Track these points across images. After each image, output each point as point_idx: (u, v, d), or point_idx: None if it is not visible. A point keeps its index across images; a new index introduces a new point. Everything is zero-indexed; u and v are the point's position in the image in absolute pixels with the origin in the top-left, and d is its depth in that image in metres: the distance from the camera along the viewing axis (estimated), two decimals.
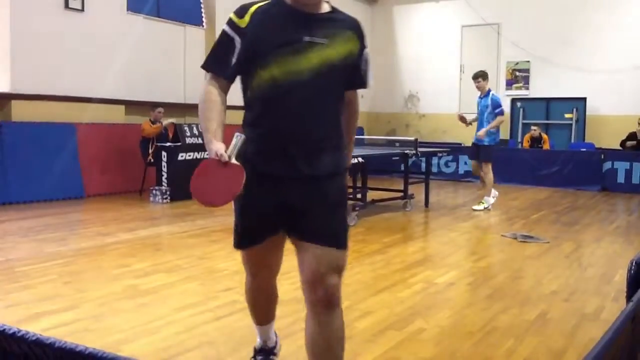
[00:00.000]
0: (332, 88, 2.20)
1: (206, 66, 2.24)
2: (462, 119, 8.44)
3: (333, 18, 2.20)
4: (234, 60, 2.16)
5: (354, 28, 2.23)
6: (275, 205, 2.20)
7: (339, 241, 2.22)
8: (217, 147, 2.08)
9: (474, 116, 8.46)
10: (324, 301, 2.18)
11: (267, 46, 2.11)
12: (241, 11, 2.16)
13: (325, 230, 2.19)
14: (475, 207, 8.33)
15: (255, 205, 2.23)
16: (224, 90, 2.24)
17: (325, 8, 2.20)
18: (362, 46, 2.25)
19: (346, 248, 2.26)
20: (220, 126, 2.19)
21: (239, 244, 2.39)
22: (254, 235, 2.31)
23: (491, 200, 8.36)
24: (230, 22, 2.17)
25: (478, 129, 8.38)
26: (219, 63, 2.21)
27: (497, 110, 8.21)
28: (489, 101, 8.26)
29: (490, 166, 8.44)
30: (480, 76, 8.43)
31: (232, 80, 2.24)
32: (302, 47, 2.10)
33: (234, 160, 2.06)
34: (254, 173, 2.10)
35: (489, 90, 8.44)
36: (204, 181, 2.07)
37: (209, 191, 2.07)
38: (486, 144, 8.33)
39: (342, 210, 2.31)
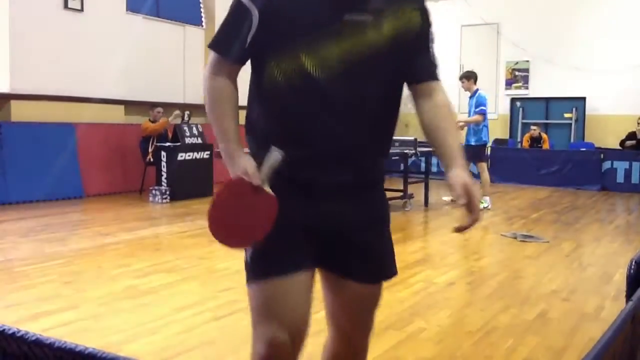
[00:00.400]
0: (383, 82, 1.63)
1: (213, 44, 1.65)
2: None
3: None
4: (248, 39, 1.58)
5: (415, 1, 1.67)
6: (308, 224, 1.61)
7: (390, 270, 1.77)
8: (246, 163, 1.53)
9: (460, 122, 8.45)
10: (355, 353, 1.83)
11: (293, 27, 1.55)
12: None
13: (374, 262, 1.72)
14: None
15: (282, 220, 1.55)
16: (234, 77, 1.64)
17: None
18: (426, 24, 1.70)
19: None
20: (238, 130, 1.64)
21: (261, 270, 1.62)
22: (281, 261, 1.60)
23: (488, 199, 8.37)
24: None
25: (467, 131, 8.47)
26: (230, 41, 1.61)
27: (477, 109, 8.28)
28: (474, 100, 8.35)
29: (484, 165, 8.49)
30: (465, 77, 8.54)
31: (243, 63, 1.66)
32: (341, 28, 1.54)
33: (267, 187, 1.51)
34: (280, 181, 1.56)
35: (477, 90, 8.48)
36: (224, 211, 1.51)
37: (229, 225, 1.51)
38: (472, 144, 8.38)
39: (389, 228, 1.79)
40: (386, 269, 1.76)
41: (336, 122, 1.58)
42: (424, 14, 1.69)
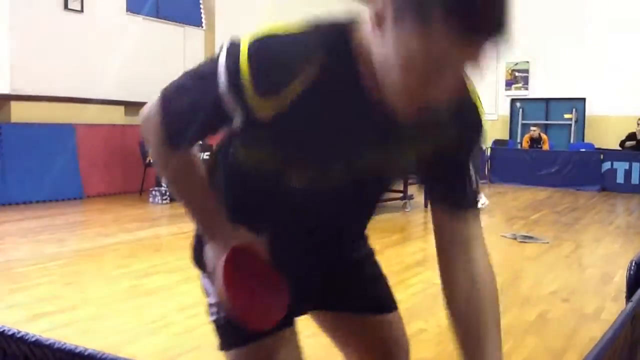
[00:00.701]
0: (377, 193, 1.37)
1: (175, 137, 1.16)
2: None
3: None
4: (217, 125, 1.16)
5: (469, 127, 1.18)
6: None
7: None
8: (246, 234, 1.24)
9: None
10: None
11: (302, 153, 1.13)
12: (273, 80, 1.01)
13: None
14: None
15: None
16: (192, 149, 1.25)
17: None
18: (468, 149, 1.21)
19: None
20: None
21: (237, 333, 1.31)
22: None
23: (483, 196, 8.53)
24: (233, 81, 1.03)
25: None
26: (190, 133, 1.15)
27: None
28: None
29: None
30: None
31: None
32: (360, 164, 1.16)
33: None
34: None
35: None
36: (236, 289, 1.21)
37: (244, 305, 1.23)
38: None
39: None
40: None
41: (321, 235, 1.31)
42: (471, 140, 1.20)
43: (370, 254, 1.57)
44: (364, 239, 1.54)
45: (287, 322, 1.31)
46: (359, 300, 1.50)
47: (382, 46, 0.96)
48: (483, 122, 1.19)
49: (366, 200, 1.33)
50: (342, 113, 1.07)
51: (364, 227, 1.46)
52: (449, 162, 1.19)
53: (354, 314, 1.51)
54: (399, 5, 0.92)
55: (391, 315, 1.58)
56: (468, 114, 1.16)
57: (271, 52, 1.01)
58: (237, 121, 1.08)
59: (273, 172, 1.17)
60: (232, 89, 1.03)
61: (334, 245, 1.38)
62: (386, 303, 1.57)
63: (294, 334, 1.36)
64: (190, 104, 1.11)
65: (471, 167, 1.21)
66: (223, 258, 1.20)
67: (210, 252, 1.26)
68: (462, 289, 1.24)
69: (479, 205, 1.23)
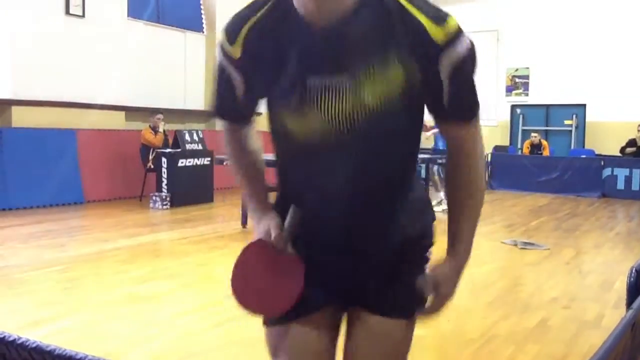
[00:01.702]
0: (383, 141, 1.31)
1: (215, 111, 1.43)
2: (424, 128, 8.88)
3: (360, 27, 1.21)
4: (241, 99, 1.36)
5: (404, 35, 1.21)
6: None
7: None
8: (268, 224, 1.36)
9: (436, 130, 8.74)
10: None
11: (268, 91, 1.33)
12: (231, 32, 1.30)
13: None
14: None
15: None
16: (251, 130, 1.48)
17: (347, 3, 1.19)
18: (431, 59, 1.22)
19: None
20: (265, 188, 1.47)
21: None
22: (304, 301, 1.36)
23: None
24: (221, 48, 1.33)
25: (437, 136, 8.91)
26: (227, 106, 1.41)
27: None
28: None
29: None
30: None
31: (246, 119, 1.47)
32: (313, 92, 1.25)
33: (290, 249, 1.36)
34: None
35: None
36: (248, 274, 1.43)
37: (254, 290, 1.42)
38: (442, 147, 8.77)
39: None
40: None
41: (336, 204, 1.35)
42: (425, 60, 1.22)
43: (420, 239, 1.54)
44: (407, 213, 1.46)
45: (311, 309, 1.38)
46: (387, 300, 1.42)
47: None
48: (435, 36, 1.21)
49: (368, 147, 1.29)
50: (284, 42, 1.26)
51: (391, 188, 1.38)
52: (421, 82, 1.24)
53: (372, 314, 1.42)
54: None
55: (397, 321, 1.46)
56: (407, 29, 1.20)
57: (234, 17, 1.34)
58: (238, 82, 1.33)
59: (280, 129, 1.33)
60: (221, 51, 1.33)
61: (367, 216, 1.37)
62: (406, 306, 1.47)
63: (322, 320, 1.40)
64: (215, 84, 1.40)
65: (447, 82, 1.24)
66: (237, 260, 1.43)
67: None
68: (449, 171, 1.44)
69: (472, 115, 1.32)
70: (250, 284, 1.42)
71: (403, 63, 1.22)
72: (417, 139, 1.43)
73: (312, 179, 1.35)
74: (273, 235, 1.34)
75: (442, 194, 8.79)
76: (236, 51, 1.30)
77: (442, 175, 9.09)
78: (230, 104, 1.40)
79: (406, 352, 1.52)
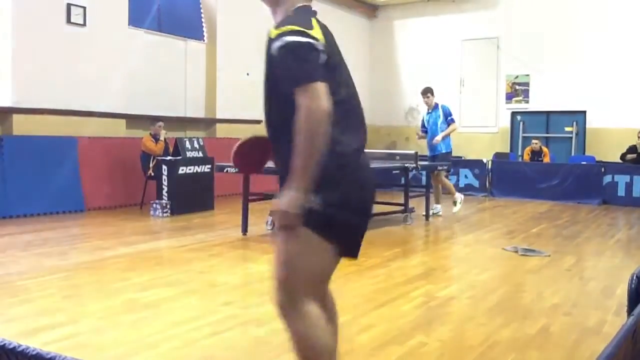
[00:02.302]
0: None
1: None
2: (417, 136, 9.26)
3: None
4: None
5: None
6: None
7: None
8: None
9: (439, 137, 8.84)
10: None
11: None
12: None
13: None
14: (454, 209, 8.99)
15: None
16: None
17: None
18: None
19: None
20: None
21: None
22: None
23: (459, 196, 9.05)
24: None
25: (430, 142, 8.93)
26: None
27: (449, 118, 8.84)
28: (440, 112, 8.86)
29: (442, 173, 9.04)
30: (429, 91, 8.99)
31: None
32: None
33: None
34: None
35: (437, 104, 8.98)
36: (246, 152, 2.46)
37: (247, 162, 2.53)
38: (443, 151, 8.88)
39: None
40: None
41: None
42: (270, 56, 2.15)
43: None
44: None
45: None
46: None
47: None
48: (270, 35, 2.11)
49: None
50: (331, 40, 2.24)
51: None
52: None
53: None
54: None
55: None
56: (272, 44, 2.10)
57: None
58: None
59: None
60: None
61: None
62: None
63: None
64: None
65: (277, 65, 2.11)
66: (240, 142, 2.50)
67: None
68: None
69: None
70: (244, 158, 2.48)
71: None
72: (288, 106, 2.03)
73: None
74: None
75: (439, 207, 9.02)
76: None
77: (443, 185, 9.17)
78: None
79: (289, 258, 2.13)
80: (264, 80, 2.23)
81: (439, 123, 8.78)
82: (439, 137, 8.71)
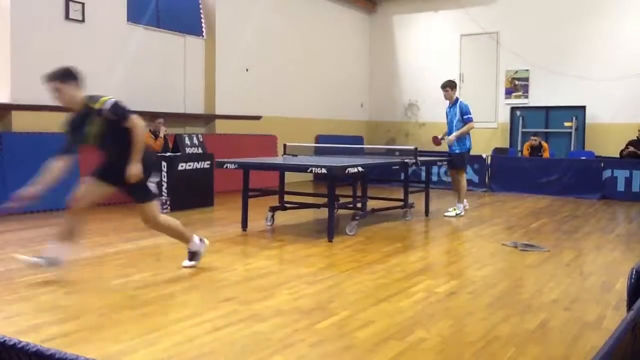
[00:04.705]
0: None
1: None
2: (435, 140, 8.86)
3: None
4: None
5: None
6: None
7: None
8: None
9: (452, 137, 8.63)
10: None
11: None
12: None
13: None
14: (447, 213, 8.55)
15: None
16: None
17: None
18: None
19: None
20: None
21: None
22: None
23: (462, 206, 8.60)
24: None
25: (447, 139, 8.68)
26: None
27: (465, 117, 8.49)
28: (457, 109, 8.53)
29: (463, 174, 8.72)
30: (449, 85, 8.71)
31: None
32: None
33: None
34: None
35: (457, 99, 8.70)
36: None
37: None
38: (457, 151, 8.58)
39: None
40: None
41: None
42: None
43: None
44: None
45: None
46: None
47: None
48: (100, 110, 4.47)
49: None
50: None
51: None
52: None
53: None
54: None
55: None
56: (92, 112, 4.47)
57: None
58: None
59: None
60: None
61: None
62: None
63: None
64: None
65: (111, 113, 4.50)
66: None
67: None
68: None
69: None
70: None
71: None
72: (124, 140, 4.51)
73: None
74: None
75: (465, 203, 8.70)
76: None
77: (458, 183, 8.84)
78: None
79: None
80: (100, 135, 4.51)
81: (455, 121, 8.50)
82: (452, 137, 8.48)
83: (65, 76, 4.51)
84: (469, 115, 8.47)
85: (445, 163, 9.73)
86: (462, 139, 8.53)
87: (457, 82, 14.25)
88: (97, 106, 4.39)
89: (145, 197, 4.63)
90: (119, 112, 4.41)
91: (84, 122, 4.47)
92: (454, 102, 8.62)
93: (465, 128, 8.45)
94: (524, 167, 11.68)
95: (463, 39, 14.42)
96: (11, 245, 5.85)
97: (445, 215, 8.44)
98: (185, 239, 5.02)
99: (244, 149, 10.90)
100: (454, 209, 8.53)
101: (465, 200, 8.79)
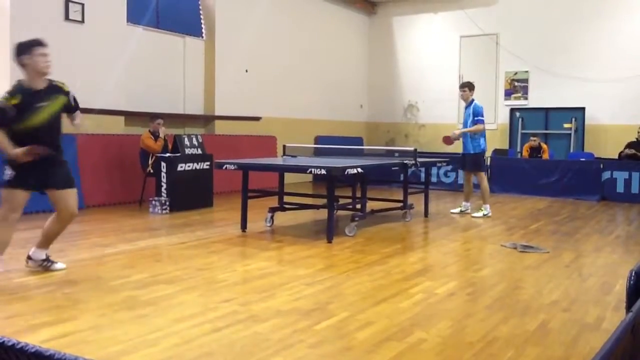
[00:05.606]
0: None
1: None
2: (447, 139, 8.84)
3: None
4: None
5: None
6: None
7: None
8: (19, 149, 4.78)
9: (457, 132, 8.73)
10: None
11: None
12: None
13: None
14: (475, 214, 8.59)
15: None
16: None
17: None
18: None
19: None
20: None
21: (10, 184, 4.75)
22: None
23: (488, 207, 8.64)
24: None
25: (464, 141, 8.71)
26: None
27: (476, 119, 8.55)
28: (471, 110, 8.61)
29: (483, 175, 8.72)
30: (467, 86, 8.79)
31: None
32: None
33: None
34: None
35: (472, 100, 8.73)
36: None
37: None
38: (471, 152, 8.64)
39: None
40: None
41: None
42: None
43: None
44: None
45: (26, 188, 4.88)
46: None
47: None
48: (68, 92, 4.95)
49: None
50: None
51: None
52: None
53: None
54: None
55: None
56: (57, 89, 4.81)
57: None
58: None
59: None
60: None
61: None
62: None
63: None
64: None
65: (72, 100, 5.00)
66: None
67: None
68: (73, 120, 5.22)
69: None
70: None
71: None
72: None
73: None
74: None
75: (468, 204, 8.86)
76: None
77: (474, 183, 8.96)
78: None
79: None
80: (54, 116, 4.76)
81: (469, 122, 8.57)
82: (457, 132, 8.67)
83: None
84: (479, 117, 8.51)
85: (445, 164, 9.72)
86: (477, 139, 8.57)
87: (457, 83, 14.33)
88: (65, 88, 4.83)
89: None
90: (77, 102, 4.97)
91: (46, 97, 4.65)
92: (469, 103, 8.67)
93: (472, 128, 8.53)
94: (523, 168, 11.68)
95: (463, 40, 14.42)
96: (10, 246, 5.84)
97: (472, 217, 8.53)
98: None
99: (244, 149, 10.91)
100: (482, 210, 8.60)
101: (464, 202, 8.83)
